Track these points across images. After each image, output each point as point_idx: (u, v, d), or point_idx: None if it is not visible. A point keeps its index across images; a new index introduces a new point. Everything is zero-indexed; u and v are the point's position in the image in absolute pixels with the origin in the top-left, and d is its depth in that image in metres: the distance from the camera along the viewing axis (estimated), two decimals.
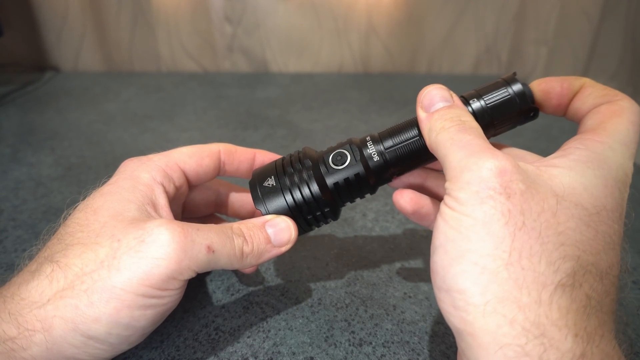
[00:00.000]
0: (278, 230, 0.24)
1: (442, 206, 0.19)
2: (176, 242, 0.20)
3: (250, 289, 0.29)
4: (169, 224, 0.20)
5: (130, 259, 0.19)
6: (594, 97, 0.20)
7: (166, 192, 0.24)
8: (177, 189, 0.25)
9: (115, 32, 0.79)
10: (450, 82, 0.75)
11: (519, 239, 0.16)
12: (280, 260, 0.32)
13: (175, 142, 0.53)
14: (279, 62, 0.81)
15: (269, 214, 0.24)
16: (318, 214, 0.24)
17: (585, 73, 0.76)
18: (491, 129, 0.22)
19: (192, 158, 0.26)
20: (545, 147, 0.51)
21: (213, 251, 0.21)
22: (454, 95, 0.22)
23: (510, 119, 0.22)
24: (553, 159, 0.19)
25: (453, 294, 0.17)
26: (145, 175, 0.24)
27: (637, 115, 0.19)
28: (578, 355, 0.15)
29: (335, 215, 0.25)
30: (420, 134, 0.22)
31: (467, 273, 0.17)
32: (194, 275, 0.21)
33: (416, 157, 0.23)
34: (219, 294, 0.29)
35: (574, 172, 0.18)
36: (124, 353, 0.24)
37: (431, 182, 0.26)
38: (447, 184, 0.19)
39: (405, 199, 0.24)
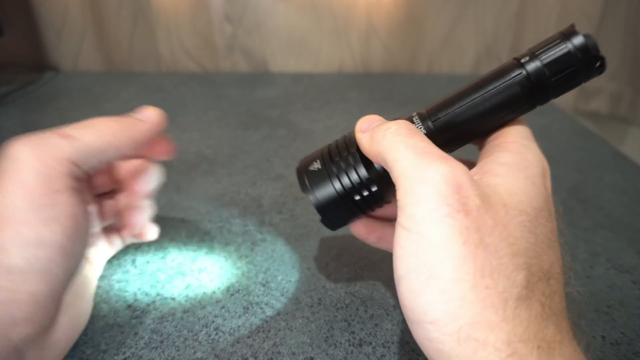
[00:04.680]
0: (142, 111, 0.25)
1: (399, 229, 0.18)
2: (21, 143, 0.20)
3: (250, 289, 0.29)
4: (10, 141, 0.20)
5: (1, 184, 0.19)
6: None
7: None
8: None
9: (115, 32, 0.79)
10: (450, 82, 0.75)
11: (479, 257, 0.16)
12: (280, 260, 0.32)
13: (175, 142, 0.53)
14: (279, 62, 0.81)
15: (318, 200, 0.23)
16: (366, 194, 0.23)
17: None
18: (551, 91, 0.20)
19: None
20: (546, 147, 0.51)
21: (68, 135, 0.20)
22: None
23: (573, 75, 0.19)
24: (486, 166, 0.19)
25: (425, 325, 0.16)
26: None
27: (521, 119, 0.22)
28: None
29: (383, 197, 0.23)
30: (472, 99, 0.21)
31: (435, 302, 0.16)
32: (76, 169, 0.21)
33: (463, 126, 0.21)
34: (219, 294, 0.29)
35: (510, 178, 0.18)
36: (124, 353, 0.24)
37: (382, 212, 0.26)
38: (400, 195, 0.18)
39: (359, 225, 0.25)
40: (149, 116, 0.25)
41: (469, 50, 0.79)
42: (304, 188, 0.23)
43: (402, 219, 0.18)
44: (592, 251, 0.34)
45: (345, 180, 0.22)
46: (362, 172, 0.22)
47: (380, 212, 0.26)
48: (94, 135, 0.22)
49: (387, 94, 0.70)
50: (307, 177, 0.23)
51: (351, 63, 0.81)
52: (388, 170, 0.19)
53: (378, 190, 0.22)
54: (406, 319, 0.18)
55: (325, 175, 0.23)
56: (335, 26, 0.77)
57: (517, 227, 0.17)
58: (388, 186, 0.23)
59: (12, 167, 0.19)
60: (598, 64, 0.19)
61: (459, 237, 0.16)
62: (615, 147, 0.53)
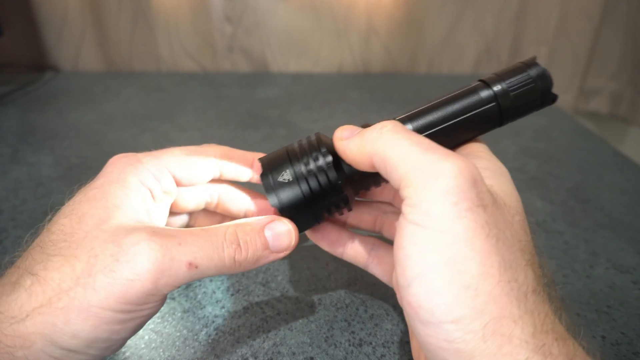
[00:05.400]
0: (277, 235, 0.22)
1: (410, 227, 0.17)
2: (151, 263, 0.19)
3: (250, 289, 0.29)
4: (146, 240, 0.19)
5: (105, 278, 0.18)
6: None
7: (153, 197, 0.23)
8: (165, 193, 0.24)
9: (115, 32, 0.79)
10: (450, 82, 0.75)
11: (500, 251, 0.16)
12: (280, 260, 0.32)
13: (175, 142, 0.53)
14: (279, 62, 0.81)
15: (283, 207, 0.22)
16: (333, 207, 0.23)
17: (585, 73, 0.76)
18: (510, 116, 0.22)
19: (182, 163, 0.25)
20: (545, 147, 0.51)
21: (196, 267, 0.20)
22: None
23: (533, 106, 0.21)
24: None
25: (446, 326, 0.16)
26: (133, 179, 0.23)
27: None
28: (571, 356, 0.15)
29: (349, 204, 0.23)
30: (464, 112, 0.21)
31: (461, 299, 0.15)
32: (175, 289, 0.20)
33: (451, 137, 0.22)
34: (219, 294, 0.29)
35: (498, 181, 0.19)
36: (124, 353, 0.24)
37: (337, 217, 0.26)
38: (410, 192, 0.17)
39: (316, 230, 0.25)
40: (281, 245, 0.22)
41: (469, 50, 0.79)
42: (269, 192, 0.23)
43: (415, 215, 0.17)
44: (592, 251, 0.34)
45: (316, 188, 0.22)
46: (334, 177, 0.22)
47: (336, 217, 0.26)
48: (214, 269, 0.20)
49: (387, 94, 0.70)
50: (272, 179, 0.23)
51: (351, 63, 0.81)
52: (385, 169, 0.19)
53: (346, 198, 0.22)
54: (419, 322, 0.17)
55: (295, 183, 0.22)
56: (335, 26, 0.77)
57: (518, 225, 0.18)
58: (354, 193, 0.24)
59: (127, 266, 0.18)
60: (552, 97, 0.21)
61: (481, 231, 0.16)
62: (615, 147, 0.53)
